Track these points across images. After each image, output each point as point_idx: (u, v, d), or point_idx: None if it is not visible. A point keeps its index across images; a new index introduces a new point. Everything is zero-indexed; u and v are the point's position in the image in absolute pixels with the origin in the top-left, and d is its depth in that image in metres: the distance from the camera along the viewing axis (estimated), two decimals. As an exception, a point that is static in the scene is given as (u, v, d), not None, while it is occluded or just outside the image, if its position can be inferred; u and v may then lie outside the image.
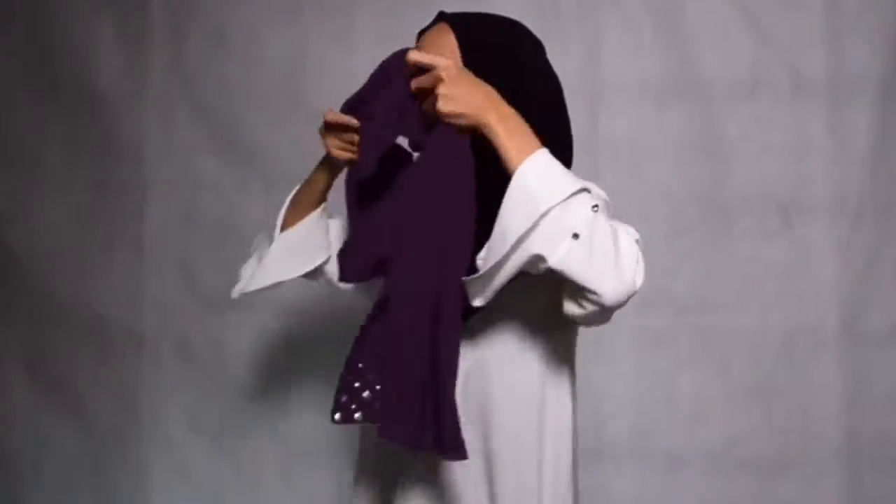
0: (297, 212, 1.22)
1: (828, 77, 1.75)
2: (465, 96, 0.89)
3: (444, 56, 0.94)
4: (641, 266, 0.87)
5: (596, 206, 0.83)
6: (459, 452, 0.88)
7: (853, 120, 1.75)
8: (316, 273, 1.24)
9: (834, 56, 1.75)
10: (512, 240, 0.82)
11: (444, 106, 0.89)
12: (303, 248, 1.22)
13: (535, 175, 0.83)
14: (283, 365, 1.96)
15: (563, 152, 1.01)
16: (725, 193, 1.77)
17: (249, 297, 1.94)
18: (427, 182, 0.96)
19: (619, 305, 0.84)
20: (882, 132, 1.75)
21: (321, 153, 1.96)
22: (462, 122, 0.89)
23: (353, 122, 1.04)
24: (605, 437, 1.77)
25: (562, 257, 0.81)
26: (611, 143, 1.80)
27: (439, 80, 0.90)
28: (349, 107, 1.06)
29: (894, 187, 1.75)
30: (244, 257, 1.97)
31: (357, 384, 0.99)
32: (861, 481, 1.73)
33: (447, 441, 0.89)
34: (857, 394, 1.73)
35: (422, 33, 1.08)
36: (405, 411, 0.93)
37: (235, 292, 1.27)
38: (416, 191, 0.98)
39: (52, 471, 2.10)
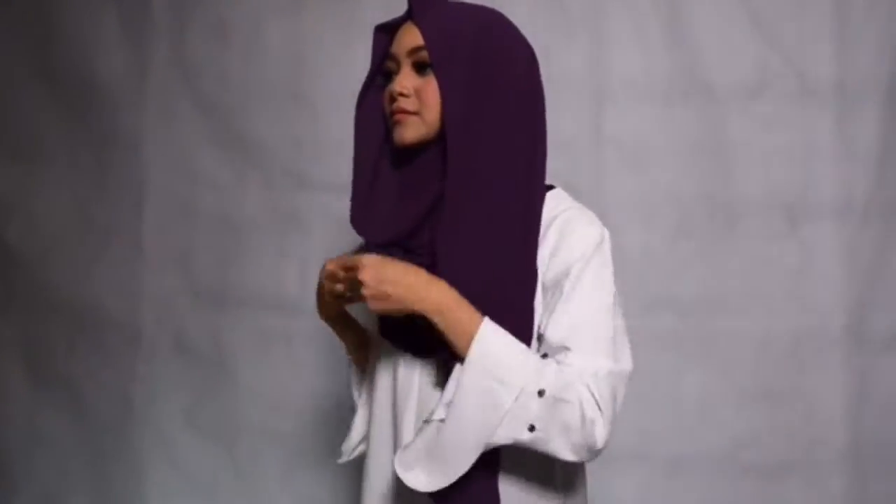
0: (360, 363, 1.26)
1: (835, 79, 1.74)
2: (388, 294, 0.94)
3: None
4: (607, 414, 0.92)
5: (542, 391, 0.90)
6: None
7: (860, 122, 1.73)
8: None
9: (841, 58, 1.74)
10: (475, 444, 0.91)
11: (373, 305, 0.95)
12: None
13: (480, 372, 0.91)
14: (280, 362, 1.94)
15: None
16: (731, 195, 1.76)
17: (246, 292, 1.95)
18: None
19: (599, 454, 0.94)
20: (889, 135, 1.73)
21: (321, 147, 1.96)
22: (396, 314, 0.96)
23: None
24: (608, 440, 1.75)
25: (526, 442, 0.92)
26: (616, 143, 1.79)
27: (360, 284, 0.94)
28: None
29: (901, 190, 1.74)
30: (242, 252, 1.97)
31: None
32: (865, 485, 1.71)
33: None
34: (862, 397, 1.72)
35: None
36: None
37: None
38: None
39: (47, 465, 2.09)
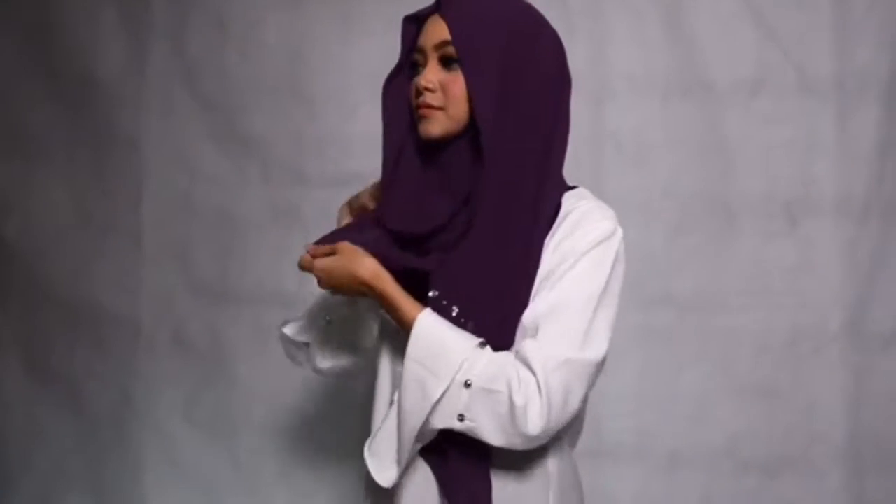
0: None
1: (834, 75, 1.74)
2: (335, 278, 1.03)
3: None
4: (553, 401, 0.91)
5: (469, 382, 0.92)
6: None
7: (860, 118, 1.73)
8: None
9: (841, 54, 1.74)
10: (412, 429, 0.95)
11: (321, 285, 1.05)
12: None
13: (416, 363, 0.95)
14: (279, 357, 1.93)
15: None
16: (730, 191, 1.76)
17: (245, 288, 1.95)
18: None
19: (538, 440, 0.93)
20: (889, 131, 1.73)
21: (320, 143, 1.96)
22: (346, 293, 1.05)
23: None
24: (606, 437, 1.75)
25: (461, 429, 0.94)
26: (616, 139, 1.78)
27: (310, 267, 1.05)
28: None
29: (901, 187, 1.74)
30: (241, 248, 1.97)
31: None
32: (863, 482, 1.71)
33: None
34: (861, 394, 1.72)
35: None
36: None
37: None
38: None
39: (46, 460, 2.09)
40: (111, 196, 2.05)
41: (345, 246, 1.03)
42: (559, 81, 1.04)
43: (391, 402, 1.01)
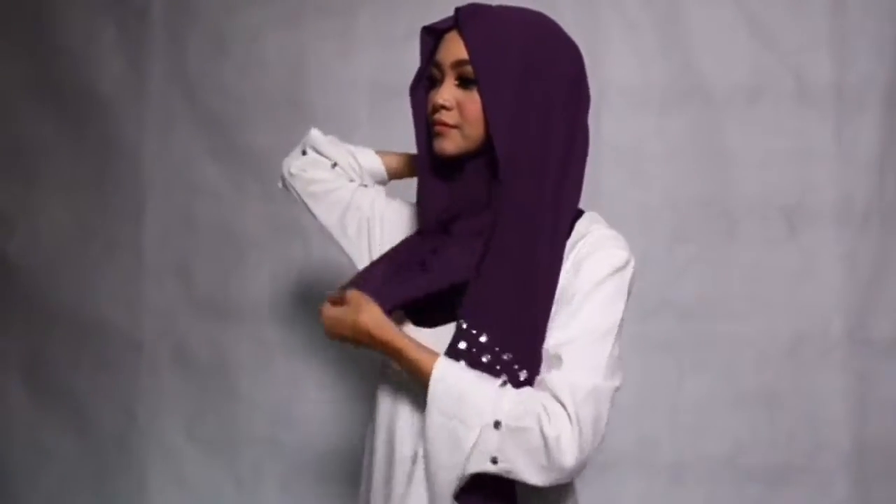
0: None
1: (833, 82, 1.74)
2: (338, 329, 1.01)
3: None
4: (584, 431, 0.90)
5: (498, 422, 0.90)
6: None
7: (858, 125, 1.74)
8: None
9: (839, 61, 1.74)
10: (449, 481, 0.93)
11: (330, 337, 1.02)
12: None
13: (441, 413, 0.93)
14: (282, 373, 1.94)
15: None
16: (730, 199, 1.76)
17: (247, 304, 1.95)
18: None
19: (576, 471, 0.92)
20: (888, 138, 1.74)
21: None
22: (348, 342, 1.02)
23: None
24: (608, 448, 1.74)
25: (496, 472, 0.91)
26: (614, 148, 1.78)
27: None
28: None
29: (900, 193, 1.74)
30: (243, 263, 1.98)
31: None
32: (868, 490, 1.71)
33: None
34: (864, 401, 1.72)
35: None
36: None
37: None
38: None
39: (50, 478, 2.08)
40: (112, 212, 2.05)
41: (354, 295, 1.00)
42: (577, 97, 1.03)
43: (413, 460, 0.99)
